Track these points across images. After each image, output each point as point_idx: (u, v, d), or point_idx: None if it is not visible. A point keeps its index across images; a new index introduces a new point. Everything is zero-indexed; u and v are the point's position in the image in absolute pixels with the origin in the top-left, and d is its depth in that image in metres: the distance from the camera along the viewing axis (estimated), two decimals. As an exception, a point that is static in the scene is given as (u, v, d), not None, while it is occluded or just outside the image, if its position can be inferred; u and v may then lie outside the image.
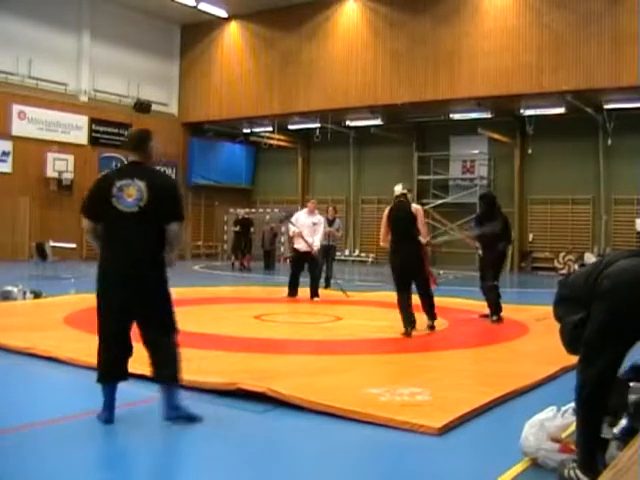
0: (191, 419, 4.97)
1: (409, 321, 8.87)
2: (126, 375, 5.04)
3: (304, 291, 13.06)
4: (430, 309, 9.28)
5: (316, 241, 13.19)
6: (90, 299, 5.46)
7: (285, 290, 13.21)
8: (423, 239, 9.04)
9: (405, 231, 8.99)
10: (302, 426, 5.03)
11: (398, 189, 9.35)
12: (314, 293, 13.10)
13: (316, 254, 13.19)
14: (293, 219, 13.49)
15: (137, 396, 5.60)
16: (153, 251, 4.97)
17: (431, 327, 9.27)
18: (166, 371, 5.02)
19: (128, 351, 5.02)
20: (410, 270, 9.03)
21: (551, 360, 6.97)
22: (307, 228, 13.22)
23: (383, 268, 26.10)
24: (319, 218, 13.55)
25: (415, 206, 9.25)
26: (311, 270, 13.33)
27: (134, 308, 4.97)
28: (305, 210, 13.79)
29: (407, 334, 8.74)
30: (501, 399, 5.59)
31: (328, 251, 15.38)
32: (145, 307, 4.98)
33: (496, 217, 10.50)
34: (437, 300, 12.98)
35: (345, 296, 13.18)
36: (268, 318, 10.44)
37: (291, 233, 13.55)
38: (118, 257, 4.94)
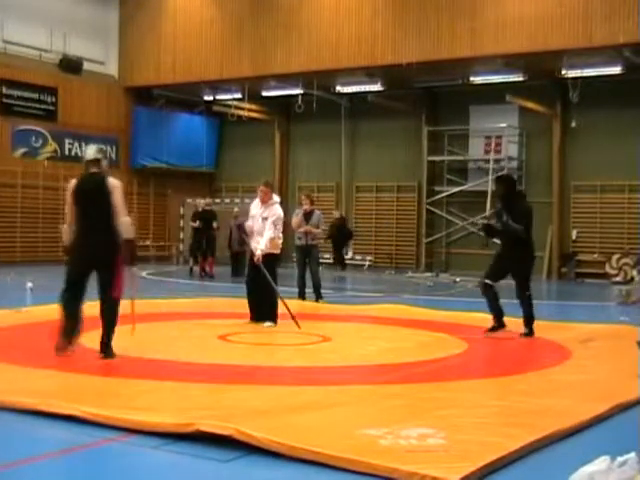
0: None
1: (71, 330, 8.49)
2: None
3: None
4: (107, 331, 8.60)
5: (261, 244, 11.67)
6: None
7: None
8: (125, 225, 8.47)
9: (95, 213, 8.47)
10: (279, 478, 4.99)
11: (90, 153, 8.83)
12: (266, 315, 11.85)
13: (259, 263, 11.62)
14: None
15: (72, 441, 5.57)
16: None
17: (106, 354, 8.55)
18: None
19: None
20: (92, 262, 8.48)
21: (601, 395, 6.97)
22: (257, 222, 11.93)
23: (383, 274, 26.16)
24: (273, 211, 11.93)
25: (113, 180, 8.61)
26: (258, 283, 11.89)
27: None
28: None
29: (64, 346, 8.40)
30: (536, 444, 5.58)
31: (308, 253, 15.37)
32: None
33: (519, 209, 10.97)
34: (452, 315, 13.16)
35: (296, 327, 11.33)
36: (236, 339, 10.41)
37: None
38: None
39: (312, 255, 15.47)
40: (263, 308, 11.87)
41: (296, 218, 15.29)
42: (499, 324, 11.02)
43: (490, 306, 11.05)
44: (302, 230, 15.17)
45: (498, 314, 11.02)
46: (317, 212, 15.66)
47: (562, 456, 5.42)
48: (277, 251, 12.07)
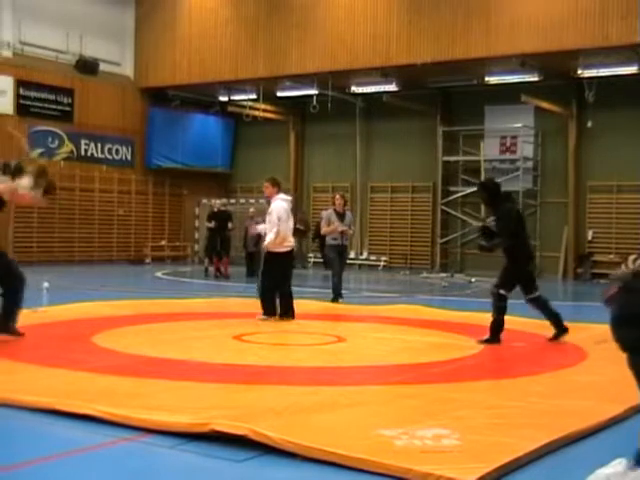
0: None
1: None
2: None
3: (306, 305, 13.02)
4: None
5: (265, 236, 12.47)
6: None
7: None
8: None
9: None
10: (294, 478, 4.99)
11: None
12: (283, 310, 12.40)
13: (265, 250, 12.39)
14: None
15: (86, 441, 5.58)
16: None
17: None
18: None
19: None
20: None
21: (617, 396, 6.92)
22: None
23: (398, 274, 26.14)
24: (271, 207, 12.40)
25: None
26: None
27: None
28: None
29: None
30: (552, 445, 5.56)
31: (342, 253, 15.53)
32: None
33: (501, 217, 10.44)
34: (467, 315, 13.11)
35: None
36: (251, 339, 10.41)
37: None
38: None
39: (344, 255, 15.70)
40: (281, 306, 12.30)
41: (332, 219, 15.38)
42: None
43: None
44: (340, 230, 15.24)
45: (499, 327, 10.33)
46: (349, 213, 15.95)
47: (578, 458, 5.39)
48: (277, 250, 12.18)
